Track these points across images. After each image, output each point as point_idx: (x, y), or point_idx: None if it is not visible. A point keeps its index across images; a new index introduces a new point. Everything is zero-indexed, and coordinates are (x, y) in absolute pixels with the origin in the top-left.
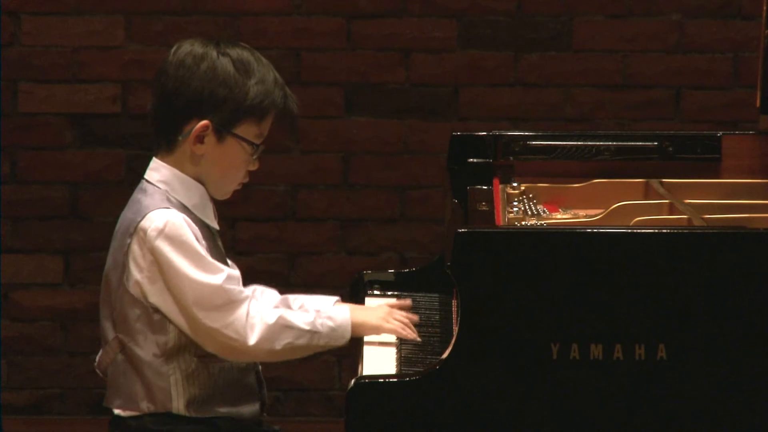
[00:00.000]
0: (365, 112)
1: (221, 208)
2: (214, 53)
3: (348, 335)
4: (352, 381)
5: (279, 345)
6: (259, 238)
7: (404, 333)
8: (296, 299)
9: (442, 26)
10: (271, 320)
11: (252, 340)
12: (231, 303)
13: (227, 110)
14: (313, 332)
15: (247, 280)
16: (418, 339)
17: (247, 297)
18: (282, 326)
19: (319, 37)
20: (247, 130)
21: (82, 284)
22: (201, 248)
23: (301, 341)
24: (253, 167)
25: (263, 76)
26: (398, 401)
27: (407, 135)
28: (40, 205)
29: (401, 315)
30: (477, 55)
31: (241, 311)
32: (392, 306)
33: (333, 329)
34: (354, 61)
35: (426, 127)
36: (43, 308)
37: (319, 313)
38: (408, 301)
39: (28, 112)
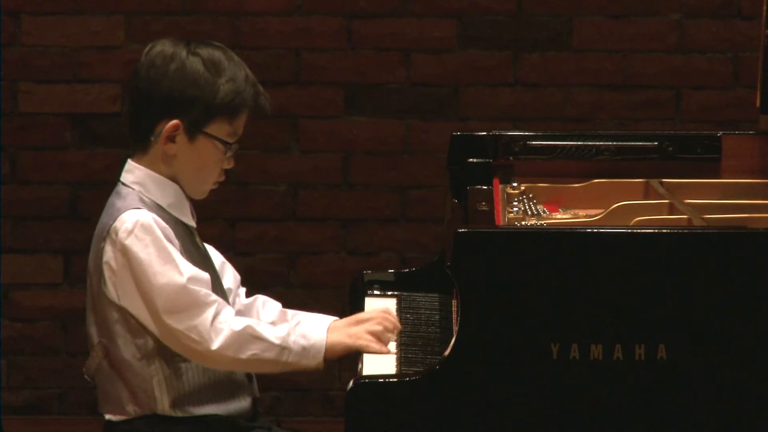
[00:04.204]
0: (365, 112)
1: (221, 208)
2: (184, 53)
3: (320, 357)
4: (352, 381)
5: (244, 354)
6: (259, 238)
7: (376, 348)
8: (295, 315)
9: (442, 26)
10: (238, 328)
11: (215, 345)
12: (195, 306)
13: (197, 109)
14: (282, 347)
15: (247, 280)
16: (391, 352)
17: (214, 301)
18: (249, 335)
19: (319, 37)
20: (219, 128)
21: (82, 284)
22: (170, 248)
23: (269, 354)
24: (228, 166)
25: (234, 74)
26: (398, 401)
27: (407, 135)
28: (40, 205)
29: (379, 325)
30: (477, 55)
31: (207, 315)
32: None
33: (305, 348)
34: (354, 61)
35: (426, 127)
36: (43, 308)
37: (294, 329)
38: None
39: (28, 112)
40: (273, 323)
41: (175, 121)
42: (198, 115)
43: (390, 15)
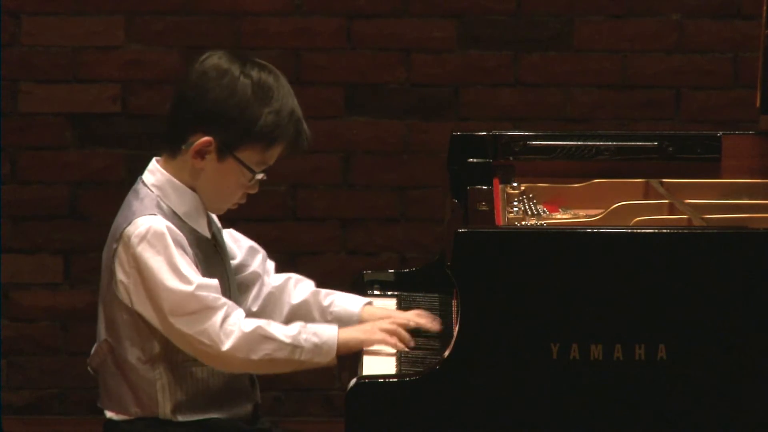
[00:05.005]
0: (365, 112)
1: None
2: (237, 72)
3: (333, 353)
4: (352, 381)
5: (256, 355)
6: (259, 238)
7: (391, 342)
8: (328, 295)
9: (442, 26)
10: (248, 329)
11: (226, 346)
12: (204, 310)
13: (233, 132)
14: (294, 346)
15: None
16: (406, 348)
17: (223, 304)
18: (260, 336)
19: (319, 37)
20: (250, 155)
21: (82, 284)
22: (180, 256)
23: (281, 354)
24: (252, 191)
25: (280, 106)
26: (398, 401)
27: (407, 135)
28: (40, 205)
29: (391, 324)
30: (477, 55)
31: (216, 318)
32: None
33: (317, 345)
34: (354, 61)
35: (426, 127)
36: (43, 308)
37: (304, 327)
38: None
39: (28, 112)
40: (305, 302)
41: (208, 138)
42: (232, 137)
43: (390, 15)
